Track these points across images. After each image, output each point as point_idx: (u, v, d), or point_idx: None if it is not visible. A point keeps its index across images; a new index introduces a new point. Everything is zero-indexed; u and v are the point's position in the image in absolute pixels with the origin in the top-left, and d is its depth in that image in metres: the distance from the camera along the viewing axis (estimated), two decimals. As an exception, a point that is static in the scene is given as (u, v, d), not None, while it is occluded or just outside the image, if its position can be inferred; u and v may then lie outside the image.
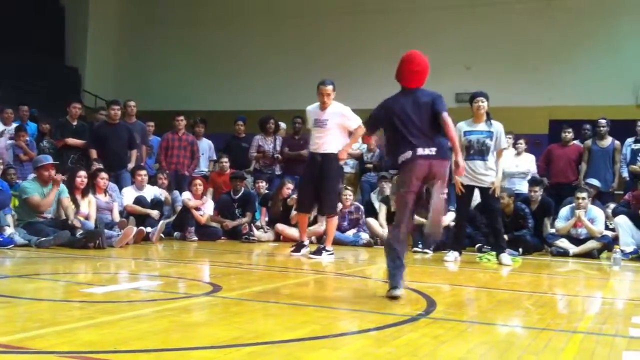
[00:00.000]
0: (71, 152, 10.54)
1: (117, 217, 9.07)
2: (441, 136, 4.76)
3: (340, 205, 10.13)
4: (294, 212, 9.56)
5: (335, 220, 8.14)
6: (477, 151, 7.72)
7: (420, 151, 4.60)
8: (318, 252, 7.73)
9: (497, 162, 7.83)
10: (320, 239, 9.97)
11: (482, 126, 7.80)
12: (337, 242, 9.59)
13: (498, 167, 7.85)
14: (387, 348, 3.16)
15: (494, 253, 8.25)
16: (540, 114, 14.06)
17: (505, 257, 7.67)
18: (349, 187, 10.32)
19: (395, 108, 4.80)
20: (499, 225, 7.80)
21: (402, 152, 4.67)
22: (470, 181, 7.69)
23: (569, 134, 11.11)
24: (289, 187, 10.30)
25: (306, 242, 8.08)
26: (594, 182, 10.28)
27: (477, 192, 8.00)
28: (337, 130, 7.77)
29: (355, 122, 7.79)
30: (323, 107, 7.77)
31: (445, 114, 4.74)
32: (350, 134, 7.88)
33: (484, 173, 7.69)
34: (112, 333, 3.23)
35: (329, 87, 7.72)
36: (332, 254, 7.78)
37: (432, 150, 4.61)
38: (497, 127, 7.80)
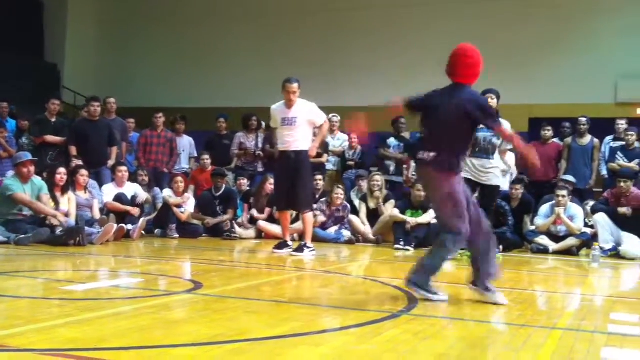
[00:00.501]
0: (50, 149, 10.46)
1: (97, 215, 9.00)
2: (461, 147, 4.49)
3: (318, 205, 10.15)
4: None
5: (311, 216, 8.19)
6: (482, 149, 7.70)
7: (420, 155, 4.44)
8: (299, 249, 7.74)
9: (504, 160, 7.89)
10: (302, 236, 9.99)
11: None
12: (319, 240, 9.61)
13: (507, 165, 7.94)
14: (368, 345, 3.17)
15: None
16: (520, 112, 14.13)
17: None
18: (340, 186, 10.33)
19: (432, 103, 4.57)
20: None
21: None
22: (472, 177, 7.63)
23: (548, 132, 11.21)
24: (271, 183, 10.30)
25: (289, 240, 8.08)
26: (570, 178, 10.41)
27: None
28: (306, 126, 7.91)
29: (322, 117, 8.00)
30: (290, 105, 7.83)
31: (499, 127, 4.56)
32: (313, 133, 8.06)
33: (486, 171, 7.67)
34: (92, 330, 3.21)
35: (295, 85, 7.81)
36: (313, 250, 7.80)
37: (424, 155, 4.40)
38: (505, 125, 7.79)
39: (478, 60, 4.55)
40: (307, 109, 7.88)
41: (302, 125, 7.84)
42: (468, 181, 7.64)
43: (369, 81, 15.18)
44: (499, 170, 7.84)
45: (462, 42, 4.61)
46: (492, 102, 7.75)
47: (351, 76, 15.55)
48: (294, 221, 10.06)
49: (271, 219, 10.28)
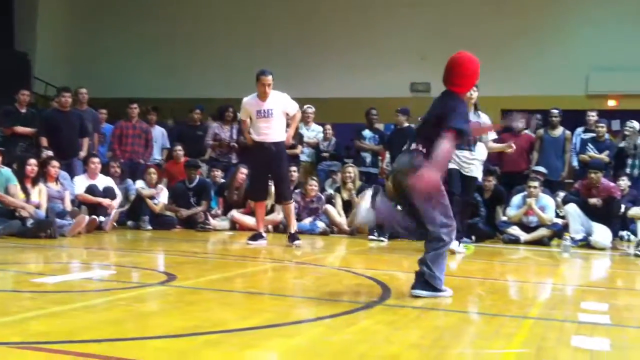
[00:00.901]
0: (20, 141, 10.31)
1: (68, 206, 8.90)
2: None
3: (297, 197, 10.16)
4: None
5: (292, 205, 8.22)
6: (464, 140, 7.74)
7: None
8: (294, 238, 7.77)
9: (483, 152, 7.91)
10: (277, 227, 9.99)
11: (470, 116, 7.80)
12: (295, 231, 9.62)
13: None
14: (342, 335, 3.18)
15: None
16: (492, 104, 14.17)
17: (455, 244, 7.75)
18: (314, 178, 10.34)
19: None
20: (466, 216, 7.92)
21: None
22: (456, 165, 7.61)
23: (520, 124, 11.30)
24: (243, 172, 10.28)
25: (263, 232, 8.08)
26: (541, 169, 10.56)
27: None
28: (282, 117, 7.93)
29: (295, 107, 8.03)
30: (264, 97, 7.81)
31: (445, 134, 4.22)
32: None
33: (468, 162, 7.71)
34: (64, 323, 3.18)
35: (270, 77, 7.81)
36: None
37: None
38: (484, 118, 7.84)
39: (474, 72, 4.45)
40: (282, 100, 7.89)
41: (278, 117, 7.85)
42: (456, 172, 7.70)
43: (346, 72, 15.17)
44: (479, 162, 7.90)
45: (462, 50, 4.46)
46: (475, 94, 7.76)
47: (325, 66, 15.52)
48: (267, 213, 10.06)
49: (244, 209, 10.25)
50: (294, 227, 8.04)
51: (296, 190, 10.28)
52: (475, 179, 7.91)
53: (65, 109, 10.33)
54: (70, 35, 18.06)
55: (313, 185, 10.12)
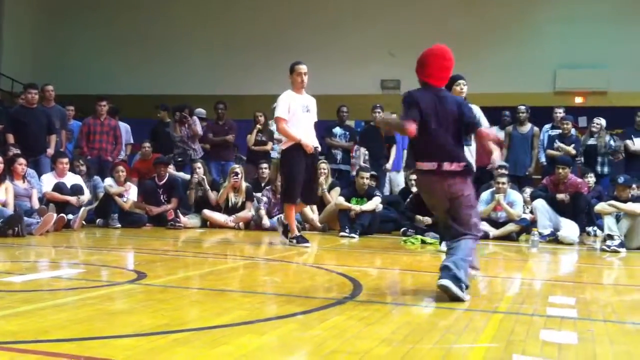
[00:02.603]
0: (-14, 138, 10.17)
1: (36, 204, 8.79)
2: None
3: (264, 192, 10.13)
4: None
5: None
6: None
7: (446, 166, 4.20)
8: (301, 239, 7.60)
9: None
10: (248, 224, 9.98)
11: None
12: (267, 228, 9.61)
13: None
14: (314, 331, 3.19)
15: (418, 237, 8.47)
16: (462, 100, 14.35)
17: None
18: None
19: (423, 105, 4.19)
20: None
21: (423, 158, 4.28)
22: None
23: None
24: (199, 167, 10.30)
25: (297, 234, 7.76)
26: (502, 163, 10.75)
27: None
28: (315, 115, 7.71)
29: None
30: (301, 88, 7.59)
31: (482, 129, 4.38)
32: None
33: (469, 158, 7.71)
34: (32, 322, 3.14)
35: (305, 67, 7.62)
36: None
37: (452, 167, 4.20)
38: (475, 110, 7.83)
39: (452, 64, 4.36)
40: (312, 100, 7.72)
41: (313, 113, 7.69)
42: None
43: (316, 70, 15.10)
44: (472, 159, 7.92)
45: (437, 43, 4.35)
46: (464, 87, 7.79)
47: (291, 61, 15.47)
48: (238, 210, 10.05)
49: (216, 208, 10.21)
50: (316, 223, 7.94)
51: (267, 187, 10.26)
52: None
53: (32, 106, 10.20)
54: (37, 32, 17.81)
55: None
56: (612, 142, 11.29)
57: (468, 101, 7.84)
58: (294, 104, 7.48)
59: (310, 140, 7.48)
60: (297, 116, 7.46)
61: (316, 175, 7.82)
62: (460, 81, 7.77)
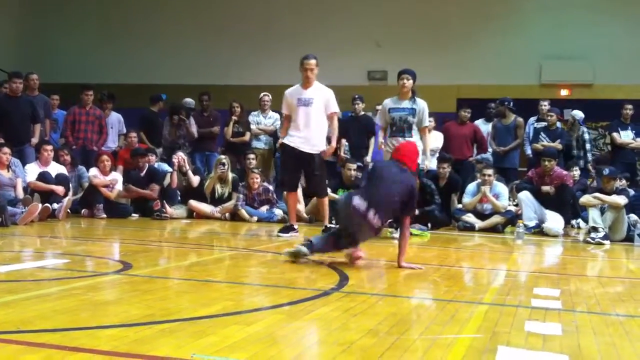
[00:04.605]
0: (-31, 128, 10.06)
1: (20, 194, 8.73)
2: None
3: (240, 188, 10.08)
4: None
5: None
6: (399, 128, 7.76)
7: None
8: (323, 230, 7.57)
9: (423, 140, 7.86)
10: (234, 215, 9.95)
11: (406, 103, 7.81)
12: (250, 220, 9.59)
13: (425, 145, 7.86)
14: (300, 322, 3.19)
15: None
16: (448, 92, 14.37)
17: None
18: (255, 170, 10.22)
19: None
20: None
21: None
22: None
23: (465, 114, 11.40)
24: (179, 156, 10.26)
25: (296, 225, 7.81)
26: (487, 156, 10.78)
27: None
28: (322, 110, 7.70)
29: (335, 107, 7.80)
30: (307, 84, 7.64)
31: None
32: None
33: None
34: (15, 312, 3.12)
35: (313, 61, 7.67)
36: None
37: None
38: (421, 104, 7.82)
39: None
40: (325, 93, 7.75)
41: (318, 108, 7.69)
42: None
43: (296, 58, 15.10)
44: (433, 152, 7.92)
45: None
46: (408, 82, 7.78)
47: (284, 55, 15.39)
48: (224, 200, 10.03)
49: (202, 199, 10.18)
50: (326, 218, 7.97)
51: (241, 184, 10.17)
52: None
53: (16, 95, 10.10)
54: (20, 19, 17.62)
55: (254, 178, 10.01)
56: (586, 136, 11.34)
57: (417, 95, 7.87)
58: (291, 99, 7.64)
59: (299, 141, 7.55)
60: (295, 110, 7.62)
61: (321, 169, 7.74)
62: (404, 75, 7.79)
